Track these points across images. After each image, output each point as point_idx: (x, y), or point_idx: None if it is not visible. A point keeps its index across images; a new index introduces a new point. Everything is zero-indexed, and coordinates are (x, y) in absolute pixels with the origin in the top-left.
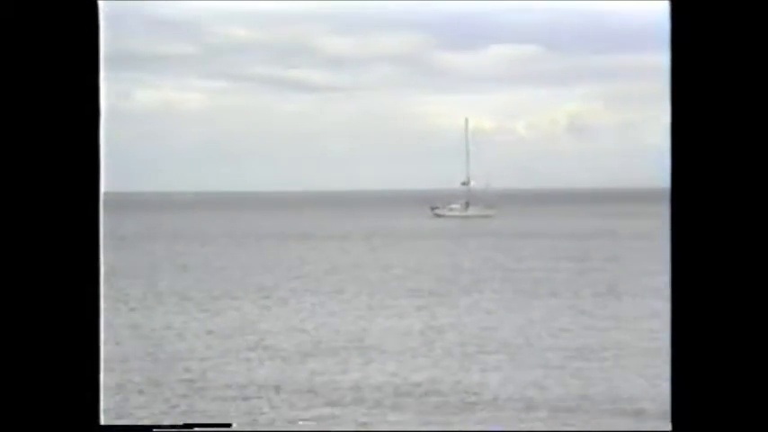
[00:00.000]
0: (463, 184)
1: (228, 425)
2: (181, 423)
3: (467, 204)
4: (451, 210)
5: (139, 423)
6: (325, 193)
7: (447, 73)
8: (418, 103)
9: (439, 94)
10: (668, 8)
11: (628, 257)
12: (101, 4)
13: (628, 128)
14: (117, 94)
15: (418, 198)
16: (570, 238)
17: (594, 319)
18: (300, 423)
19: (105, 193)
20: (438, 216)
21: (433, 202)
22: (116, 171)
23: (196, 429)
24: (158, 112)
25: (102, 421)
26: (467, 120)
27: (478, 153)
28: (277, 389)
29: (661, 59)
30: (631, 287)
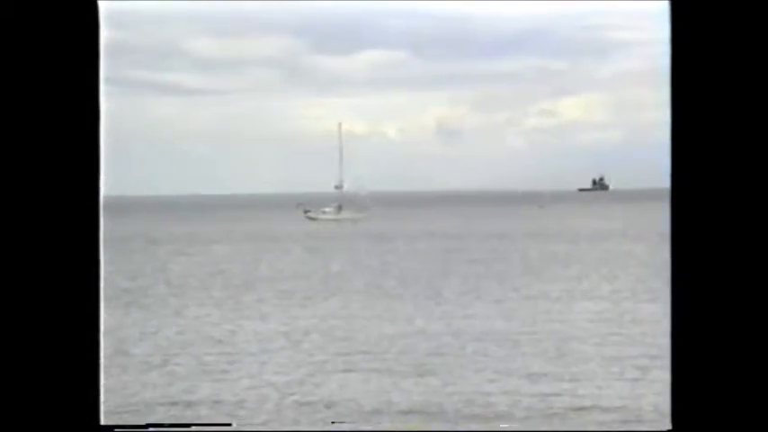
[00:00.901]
0: (336, 187)
1: (228, 424)
2: (180, 423)
3: (339, 207)
4: (324, 213)
5: (139, 423)
6: (193, 196)
7: (320, 77)
8: (291, 107)
9: (312, 97)
10: (668, 8)
11: (489, 258)
12: (101, 4)
13: (492, 131)
14: None
15: (291, 201)
16: (439, 239)
17: (454, 320)
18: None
19: None
20: (311, 219)
21: (306, 206)
22: None
23: (195, 429)
24: None
25: (102, 421)
26: (340, 123)
27: (351, 156)
28: (132, 395)
29: (524, 64)
30: (494, 288)
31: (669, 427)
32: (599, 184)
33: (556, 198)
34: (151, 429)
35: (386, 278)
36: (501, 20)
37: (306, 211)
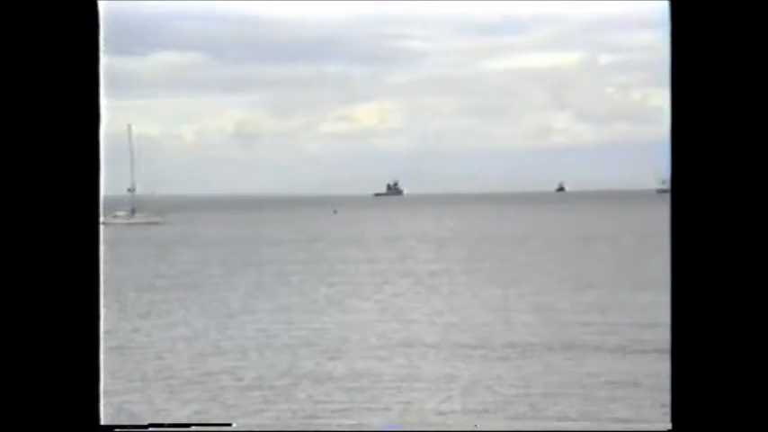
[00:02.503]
0: (129, 190)
1: (228, 424)
2: (180, 422)
3: (133, 211)
4: (116, 217)
5: (139, 422)
6: None
7: (112, 78)
8: None
9: (102, 99)
10: (668, 8)
11: (278, 260)
12: (101, 4)
13: (290, 136)
14: None
15: None
16: (232, 244)
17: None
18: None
19: None
20: (103, 224)
21: None
22: None
23: (195, 429)
24: None
25: (103, 421)
26: (129, 125)
27: (144, 159)
28: None
29: (321, 70)
30: (272, 292)
31: (669, 427)
32: (393, 189)
33: (351, 203)
34: (151, 429)
35: (180, 287)
36: (298, 25)
37: None
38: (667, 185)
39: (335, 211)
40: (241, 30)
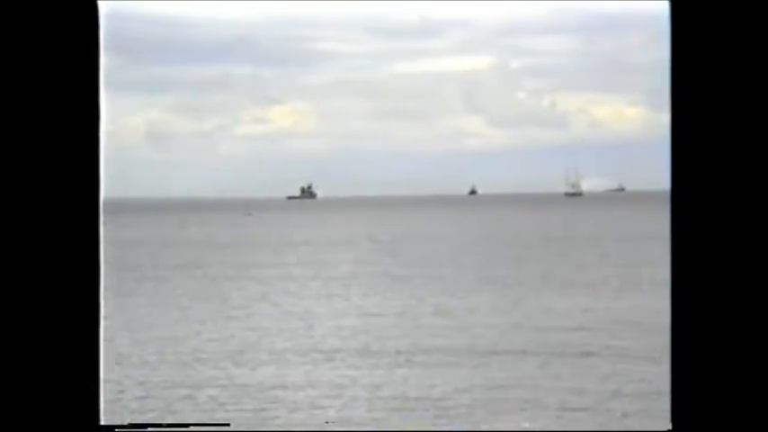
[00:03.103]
0: None
1: (227, 424)
2: (179, 422)
3: None
4: None
5: (139, 422)
6: None
7: None
8: None
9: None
10: (668, 8)
11: (189, 265)
12: (101, 4)
13: (203, 137)
14: None
15: None
16: (140, 248)
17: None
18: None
19: None
20: None
21: None
22: None
23: (194, 429)
24: None
25: (102, 421)
26: None
27: None
28: None
29: (234, 71)
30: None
31: (669, 427)
32: (307, 192)
33: (265, 206)
34: (151, 429)
35: None
36: (211, 26)
37: None
38: (576, 189)
39: (250, 214)
40: (153, 30)
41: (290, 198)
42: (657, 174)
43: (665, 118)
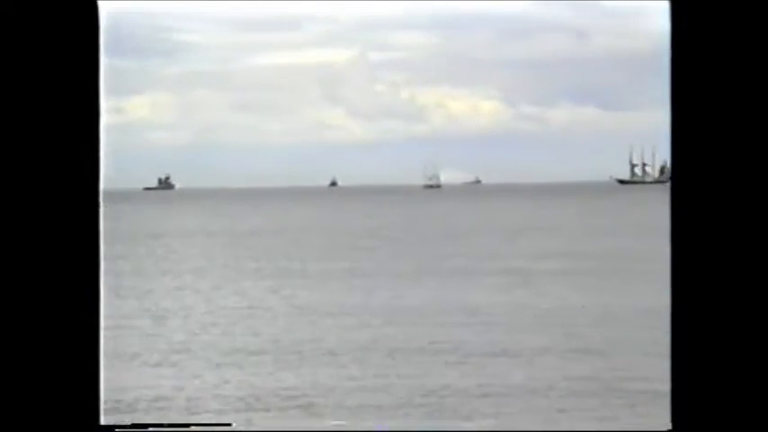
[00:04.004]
0: None
1: (228, 424)
2: (180, 423)
3: None
4: None
5: (139, 422)
6: None
7: None
8: None
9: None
10: (668, 8)
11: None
12: (101, 4)
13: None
14: None
15: None
16: None
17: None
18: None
19: None
20: None
21: None
22: None
23: (195, 429)
24: None
25: (102, 421)
26: None
27: None
28: None
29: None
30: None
31: (669, 427)
32: (165, 183)
33: (121, 197)
34: (151, 429)
35: None
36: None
37: None
38: (434, 181)
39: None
40: None
41: (147, 189)
42: (512, 167)
43: (519, 112)
